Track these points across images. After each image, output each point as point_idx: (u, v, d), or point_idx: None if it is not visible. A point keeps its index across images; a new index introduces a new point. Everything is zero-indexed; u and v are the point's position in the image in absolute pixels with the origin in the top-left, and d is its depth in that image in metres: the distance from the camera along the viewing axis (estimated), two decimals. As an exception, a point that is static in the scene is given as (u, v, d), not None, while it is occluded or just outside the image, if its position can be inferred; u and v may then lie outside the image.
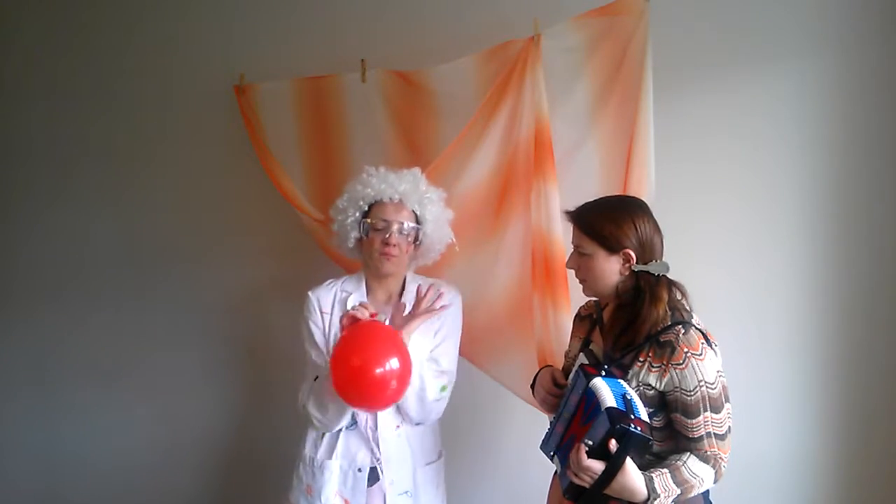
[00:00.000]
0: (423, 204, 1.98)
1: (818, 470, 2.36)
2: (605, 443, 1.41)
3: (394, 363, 1.67)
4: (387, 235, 1.91)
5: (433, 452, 2.03)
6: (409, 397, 1.88)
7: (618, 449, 1.40)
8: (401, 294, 2.03)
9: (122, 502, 2.86)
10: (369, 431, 1.93)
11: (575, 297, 1.98)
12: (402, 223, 1.94)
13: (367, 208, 1.96)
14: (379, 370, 1.65)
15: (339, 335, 1.84)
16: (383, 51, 2.45)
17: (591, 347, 1.73)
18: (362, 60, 2.40)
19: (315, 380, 1.90)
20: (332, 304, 1.99)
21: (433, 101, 2.37)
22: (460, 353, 2.12)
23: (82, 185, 2.80)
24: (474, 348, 2.24)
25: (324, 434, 1.96)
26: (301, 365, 2.04)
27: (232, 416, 2.79)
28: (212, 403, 2.79)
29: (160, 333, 2.79)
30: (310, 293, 2.00)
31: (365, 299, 1.98)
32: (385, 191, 1.94)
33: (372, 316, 1.80)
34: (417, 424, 1.97)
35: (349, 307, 1.91)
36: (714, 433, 1.52)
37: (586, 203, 1.71)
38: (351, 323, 1.77)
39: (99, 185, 2.79)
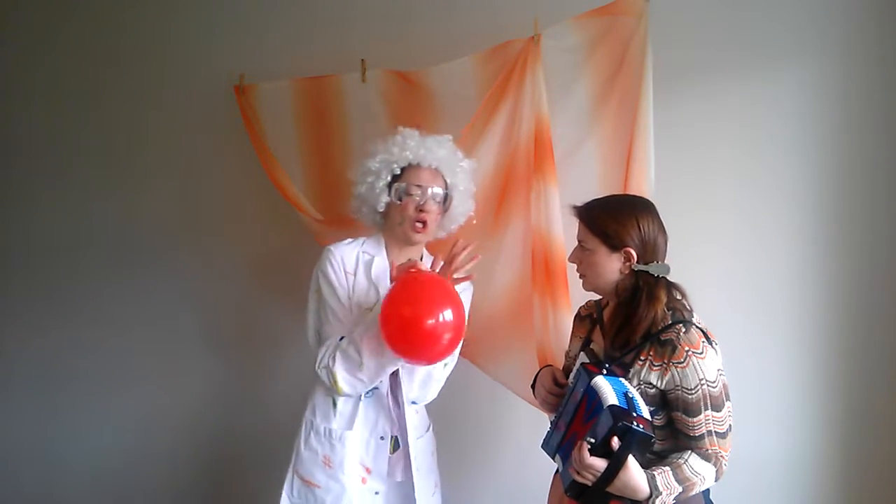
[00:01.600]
0: (455, 173, 1.91)
1: (820, 469, 2.36)
2: (607, 440, 1.41)
3: (448, 314, 1.65)
4: (422, 202, 1.84)
5: (428, 422, 2.05)
6: (416, 375, 1.88)
7: (620, 446, 1.40)
8: None
9: (121, 498, 2.86)
10: (389, 400, 1.90)
11: (575, 297, 1.99)
12: (437, 190, 1.87)
13: (399, 171, 1.87)
14: (431, 321, 1.63)
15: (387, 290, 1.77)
16: (383, 51, 2.45)
17: (591, 347, 1.74)
18: (362, 60, 2.40)
19: (341, 340, 1.82)
20: (355, 265, 1.90)
21: (433, 101, 2.37)
22: (460, 354, 2.12)
23: (81, 186, 2.81)
24: (474, 348, 2.24)
25: (335, 402, 1.89)
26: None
27: (233, 412, 2.79)
28: (211, 399, 2.79)
29: (158, 330, 2.79)
30: (332, 248, 1.90)
31: (387, 263, 1.91)
32: (424, 156, 1.85)
33: None
34: (412, 404, 1.95)
35: (374, 272, 1.87)
36: (715, 431, 1.53)
37: (594, 199, 1.72)
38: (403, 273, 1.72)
39: (98, 185, 2.79)
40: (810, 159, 2.32)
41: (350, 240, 1.96)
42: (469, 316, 2.20)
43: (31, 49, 2.81)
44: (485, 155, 2.19)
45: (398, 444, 1.92)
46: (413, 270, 1.73)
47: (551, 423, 1.72)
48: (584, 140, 2.20)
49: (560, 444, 1.61)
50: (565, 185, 2.08)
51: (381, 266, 1.91)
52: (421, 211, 1.85)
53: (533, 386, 1.90)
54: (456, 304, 1.69)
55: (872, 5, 2.27)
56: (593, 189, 2.06)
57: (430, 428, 2.07)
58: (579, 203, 1.73)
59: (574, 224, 1.74)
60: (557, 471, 1.72)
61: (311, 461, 1.90)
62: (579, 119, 2.19)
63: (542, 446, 1.70)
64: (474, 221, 2.04)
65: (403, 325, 1.66)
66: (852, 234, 2.31)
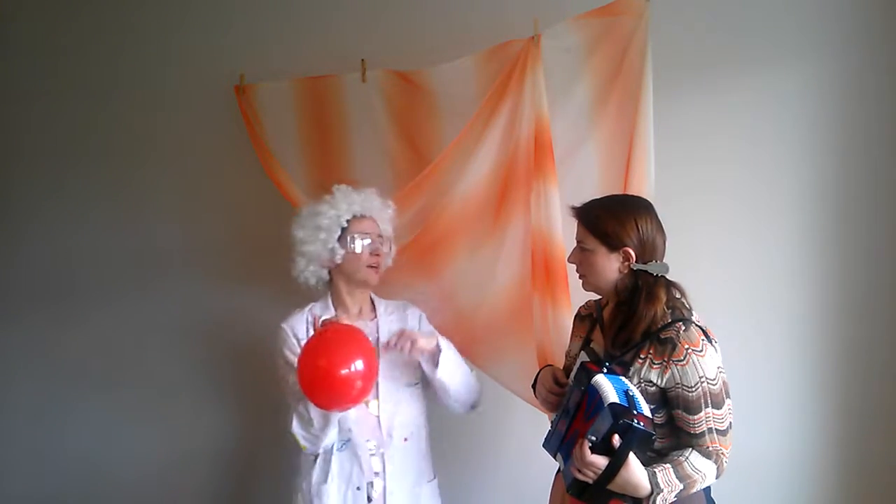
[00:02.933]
0: (385, 221, 2.08)
1: (817, 467, 2.36)
2: (608, 438, 1.41)
3: (359, 364, 1.72)
4: (373, 247, 2.00)
5: (429, 472, 2.06)
6: (462, 381, 1.98)
7: (621, 444, 1.40)
8: (373, 310, 2.09)
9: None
10: (366, 447, 1.94)
11: (575, 297, 1.99)
12: (381, 235, 2.04)
13: (346, 224, 2.00)
14: (344, 371, 1.70)
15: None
16: (383, 51, 2.45)
17: (592, 346, 1.74)
18: (362, 60, 2.41)
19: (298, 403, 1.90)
20: (305, 330, 2.02)
21: (433, 101, 2.37)
22: (461, 354, 2.11)
23: (82, 186, 2.80)
24: (474, 348, 2.24)
25: (316, 459, 1.97)
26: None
27: (231, 417, 2.78)
28: (211, 405, 2.78)
29: (159, 333, 2.78)
30: (283, 325, 2.03)
31: (336, 316, 2.04)
32: (368, 207, 2.02)
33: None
34: (472, 407, 2.07)
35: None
36: (715, 429, 1.53)
37: (592, 199, 1.72)
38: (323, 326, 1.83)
39: (99, 185, 2.79)
40: (811, 158, 2.32)
41: (297, 310, 2.07)
42: (468, 316, 2.22)
43: (31, 51, 2.81)
44: (485, 155, 2.19)
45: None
46: (329, 326, 1.84)
47: (552, 422, 1.72)
48: (584, 140, 2.20)
49: (561, 443, 1.61)
50: (565, 185, 2.08)
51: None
52: (375, 255, 2.00)
53: (533, 386, 1.90)
54: (367, 352, 1.78)
55: (873, 5, 2.27)
56: (593, 189, 2.06)
57: (435, 476, 2.07)
58: (577, 203, 1.73)
59: (574, 224, 1.74)
60: (559, 470, 1.73)
61: None
62: (579, 119, 2.19)
63: (543, 445, 1.70)
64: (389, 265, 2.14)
65: (317, 375, 1.74)
66: (852, 234, 2.31)
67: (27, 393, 2.91)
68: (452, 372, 1.95)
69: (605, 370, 1.53)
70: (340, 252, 1.99)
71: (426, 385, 2.04)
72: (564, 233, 2.04)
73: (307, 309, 2.06)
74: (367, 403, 1.94)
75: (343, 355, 1.73)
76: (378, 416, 1.95)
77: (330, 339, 1.79)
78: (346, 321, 1.98)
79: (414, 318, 2.10)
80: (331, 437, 1.90)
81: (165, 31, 2.71)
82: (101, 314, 2.82)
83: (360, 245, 1.98)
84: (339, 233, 1.99)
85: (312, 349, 1.77)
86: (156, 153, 2.75)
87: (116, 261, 2.80)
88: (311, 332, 1.87)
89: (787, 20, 2.30)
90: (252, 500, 2.77)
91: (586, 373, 1.54)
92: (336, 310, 2.06)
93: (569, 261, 1.77)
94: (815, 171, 2.32)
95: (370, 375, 1.78)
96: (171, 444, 2.81)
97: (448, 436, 2.08)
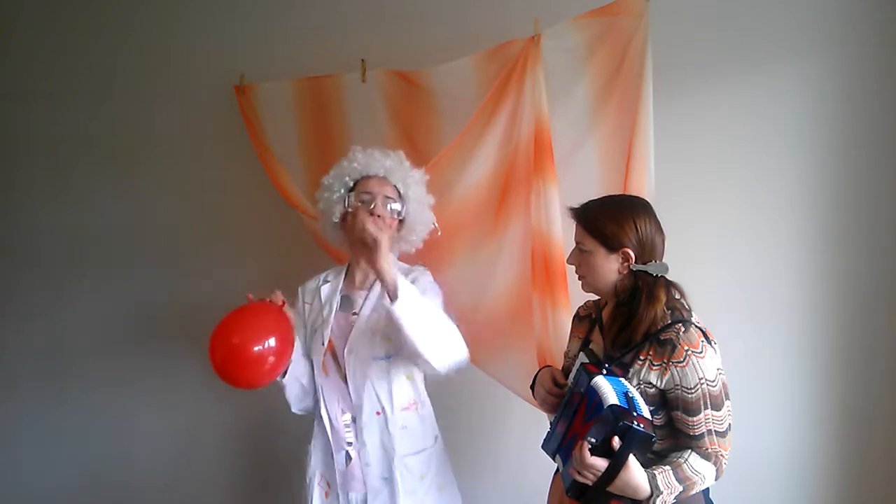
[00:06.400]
0: (406, 183, 2.00)
1: (818, 468, 2.37)
2: (607, 440, 1.41)
3: (271, 342, 1.76)
4: (372, 206, 1.93)
5: (421, 441, 2.00)
6: (430, 330, 1.83)
7: (621, 446, 1.40)
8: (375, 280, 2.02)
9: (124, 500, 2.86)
10: (340, 418, 1.97)
11: (574, 297, 1.99)
12: (387, 196, 1.96)
13: (352, 184, 1.98)
14: (257, 348, 1.74)
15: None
16: (383, 51, 2.46)
17: (591, 347, 1.74)
18: (362, 60, 2.41)
19: None
20: (313, 295, 2.06)
21: (433, 101, 2.37)
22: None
23: (83, 185, 2.81)
24: (474, 348, 2.23)
25: (314, 421, 2.05)
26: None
27: (235, 411, 2.79)
28: (214, 401, 2.79)
29: (161, 330, 2.79)
30: (299, 287, 2.10)
31: (340, 285, 2.03)
32: (371, 165, 1.97)
33: (282, 304, 1.90)
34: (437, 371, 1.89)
35: (323, 296, 2.01)
36: (715, 430, 1.53)
37: (590, 200, 1.72)
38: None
39: (99, 184, 2.80)
40: (811, 158, 2.33)
41: (319, 275, 2.12)
42: (468, 316, 2.22)
43: (31, 51, 2.82)
44: (485, 155, 2.19)
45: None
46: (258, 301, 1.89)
47: (551, 423, 1.72)
48: (584, 140, 2.20)
49: (560, 445, 1.61)
50: (565, 185, 2.09)
51: (331, 288, 2.05)
52: (371, 215, 1.92)
53: (532, 386, 1.90)
54: (281, 330, 1.83)
55: (872, 5, 2.27)
56: (593, 189, 2.05)
57: (437, 440, 2.05)
58: (576, 204, 1.73)
59: (574, 224, 1.74)
60: (557, 471, 1.73)
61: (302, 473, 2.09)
62: (579, 119, 2.19)
63: (542, 447, 1.70)
64: (439, 233, 2.10)
65: (229, 351, 1.77)
66: (852, 233, 2.31)
67: (34, 393, 2.91)
68: (414, 312, 1.80)
69: (604, 371, 1.53)
70: (339, 211, 1.97)
71: (399, 359, 1.96)
72: (564, 233, 2.04)
73: (322, 276, 2.10)
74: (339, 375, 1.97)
75: (250, 332, 1.77)
76: (349, 389, 1.97)
77: (241, 316, 1.82)
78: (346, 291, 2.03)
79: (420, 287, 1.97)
80: (300, 401, 2.02)
81: (165, 30, 2.72)
82: (103, 313, 2.83)
83: (351, 204, 1.94)
84: (341, 192, 1.98)
85: (227, 325, 1.81)
86: (156, 153, 2.75)
87: (117, 257, 2.80)
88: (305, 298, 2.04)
89: (787, 20, 2.30)
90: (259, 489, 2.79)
91: (586, 374, 1.54)
92: (346, 278, 2.05)
93: (568, 262, 1.77)
94: (814, 170, 2.33)
95: (283, 353, 1.81)
96: (174, 440, 2.83)
97: (445, 435, 2.08)
